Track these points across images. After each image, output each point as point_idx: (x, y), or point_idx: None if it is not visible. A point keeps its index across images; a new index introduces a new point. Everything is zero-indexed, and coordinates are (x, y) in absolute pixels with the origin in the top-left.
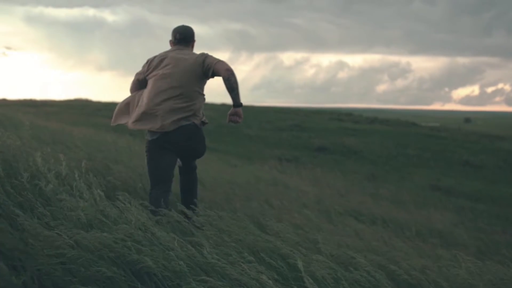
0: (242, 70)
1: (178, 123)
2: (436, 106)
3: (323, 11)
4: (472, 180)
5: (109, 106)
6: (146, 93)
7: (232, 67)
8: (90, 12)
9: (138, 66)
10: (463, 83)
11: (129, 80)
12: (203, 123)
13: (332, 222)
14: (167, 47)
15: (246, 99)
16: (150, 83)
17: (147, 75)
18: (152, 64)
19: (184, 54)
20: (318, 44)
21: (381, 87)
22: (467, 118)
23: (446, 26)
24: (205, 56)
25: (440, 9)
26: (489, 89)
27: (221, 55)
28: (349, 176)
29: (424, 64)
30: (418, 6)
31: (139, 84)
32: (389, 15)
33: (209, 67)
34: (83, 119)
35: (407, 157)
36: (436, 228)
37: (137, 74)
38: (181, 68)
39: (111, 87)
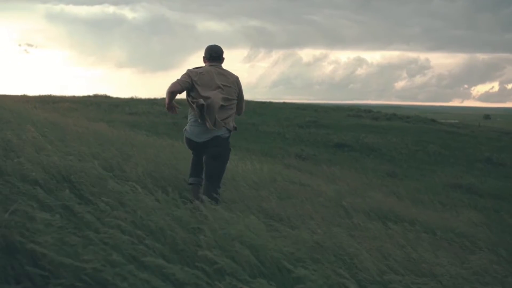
0: (261, 67)
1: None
2: (455, 103)
3: (342, 8)
4: (494, 178)
5: (128, 103)
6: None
7: (251, 63)
8: (110, 9)
9: (158, 63)
10: (483, 79)
11: (149, 76)
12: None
13: (353, 222)
14: (186, 43)
15: (264, 96)
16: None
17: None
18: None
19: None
20: (336, 40)
21: (400, 84)
22: (486, 114)
23: (465, 23)
24: (240, 87)
25: (459, 5)
26: (509, 86)
27: (240, 52)
28: (368, 174)
29: (443, 61)
30: (437, 3)
31: (180, 88)
32: (408, 12)
33: (240, 101)
34: (100, 115)
35: (427, 154)
36: (460, 228)
37: (182, 82)
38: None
39: (131, 83)
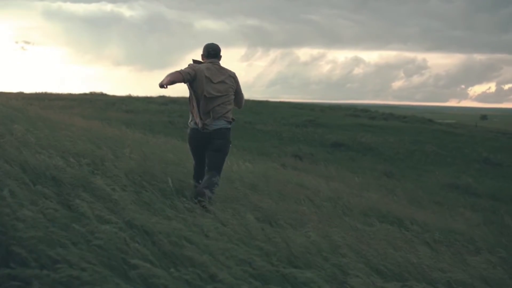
0: (258, 66)
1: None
2: (452, 103)
3: (340, 8)
4: (491, 179)
5: (124, 100)
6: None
7: (248, 62)
8: (108, 7)
9: (155, 61)
10: (480, 80)
11: (146, 74)
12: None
13: (350, 223)
14: (183, 42)
15: (261, 95)
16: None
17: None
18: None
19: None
20: (334, 40)
21: (397, 84)
22: (483, 115)
23: (463, 23)
24: (237, 82)
25: (457, 5)
26: (506, 86)
27: (237, 51)
28: (365, 174)
29: (440, 61)
30: (435, 3)
31: (182, 79)
32: (405, 12)
33: (238, 95)
34: (96, 113)
35: (424, 154)
36: (458, 229)
37: (185, 73)
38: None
39: (128, 81)
